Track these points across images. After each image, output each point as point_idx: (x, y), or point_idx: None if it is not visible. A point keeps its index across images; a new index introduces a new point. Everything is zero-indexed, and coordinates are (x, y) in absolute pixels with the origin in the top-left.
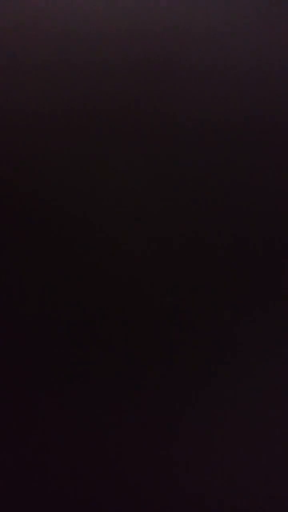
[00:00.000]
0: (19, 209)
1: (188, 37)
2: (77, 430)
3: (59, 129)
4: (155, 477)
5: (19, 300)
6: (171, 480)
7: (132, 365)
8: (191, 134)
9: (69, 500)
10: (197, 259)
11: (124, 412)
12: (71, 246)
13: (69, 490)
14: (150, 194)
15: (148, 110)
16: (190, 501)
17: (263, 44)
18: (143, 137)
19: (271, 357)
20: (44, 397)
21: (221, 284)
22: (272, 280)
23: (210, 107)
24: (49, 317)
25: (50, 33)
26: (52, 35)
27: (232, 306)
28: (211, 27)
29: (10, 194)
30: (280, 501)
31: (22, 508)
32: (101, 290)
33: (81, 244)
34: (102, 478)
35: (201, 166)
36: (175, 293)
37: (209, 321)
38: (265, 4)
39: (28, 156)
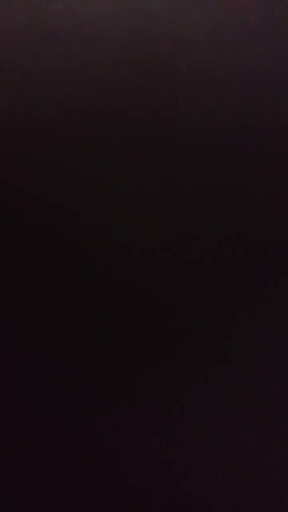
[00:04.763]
0: (19, 211)
1: (187, 39)
2: (76, 429)
3: (58, 131)
4: (153, 475)
5: (20, 300)
6: (170, 479)
7: (131, 364)
8: (191, 136)
9: (66, 497)
10: (197, 258)
11: (123, 411)
12: (70, 246)
13: (67, 487)
14: (150, 195)
15: (148, 112)
16: (189, 500)
17: (263, 46)
18: (143, 139)
19: (269, 355)
20: (43, 393)
21: (220, 284)
22: (271, 280)
23: (210, 109)
24: (49, 315)
25: (50, 34)
26: (52, 36)
27: (230, 305)
28: (210, 29)
29: (10, 195)
30: (280, 499)
31: (20, 504)
32: (101, 288)
33: (81, 244)
34: (100, 476)
35: (201, 167)
36: (174, 293)
37: (207, 320)
38: (264, 6)
39: (28, 158)
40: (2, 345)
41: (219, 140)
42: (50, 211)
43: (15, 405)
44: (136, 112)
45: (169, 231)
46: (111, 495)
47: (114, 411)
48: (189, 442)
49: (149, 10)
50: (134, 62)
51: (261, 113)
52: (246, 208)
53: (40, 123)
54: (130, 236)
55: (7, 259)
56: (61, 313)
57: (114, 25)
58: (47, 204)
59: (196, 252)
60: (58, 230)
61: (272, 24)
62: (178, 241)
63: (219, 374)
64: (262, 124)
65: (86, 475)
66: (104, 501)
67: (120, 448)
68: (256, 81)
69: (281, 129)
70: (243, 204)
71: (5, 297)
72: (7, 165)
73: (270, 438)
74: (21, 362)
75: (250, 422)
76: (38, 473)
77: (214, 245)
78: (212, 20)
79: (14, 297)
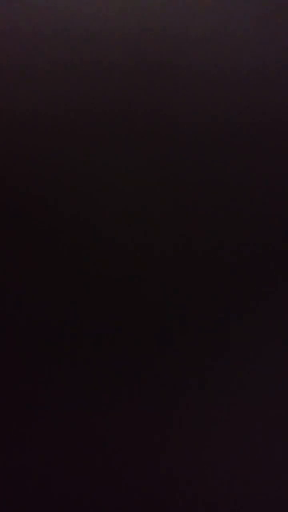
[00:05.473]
0: (19, 211)
1: (187, 39)
2: (76, 429)
3: (58, 131)
4: (153, 475)
5: (20, 300)
6: (170, 479)
7: (132, 364)
8: (191, 135)
9: (67, 497)
10: (197, 258)
11: (123, 411)
12: (70, 246)
13: (67, 487)
14: (150, 195)
15: (148, 111)
16: (189, 499)
17: (263, 46)
18: (143, 138)
19: (269, 355)
20: (43, 393)
21: (221, 284)
22: (271, 280)
23: (210, 109)
24: (49, 314)
25: (50, 34)
26: (52, 37)
27: (230, 305)
28: (210, 29)
29: (10, 195)
30: (280, 499)
31: (20, 504)
32: (101, 288)
33: (81, 244)
34: (100, 476)
35: (201, 167)
36: (174, 292)
37: (208, 320)
38: (264, 6)
39: (28, 158)
40: (2, 345)
41: (219, 139)
42: (50, 211)
43: (15, 405)
44: (136, 112)
45: (169, 231)
46: (111, 495)
47: (114, 411)
48: (189, 442)
49: (149, 10)
50: (134, 62)
51: (261, 113)
52: (246, 208)
53: (40, 123)
54: (130, 236)
55: (7, 259)
56: (61, 313)
57: (114, 25)
58: (47, 204)
59: (196, 252)
60: (58, 230)
61: (272, 24)
62: (178, 241)
63: (220, 375)
64: (262, 124)
65: (86, 475)
66: (104, 501)
67: (120, 448)
68: (256, 81)
69: (281, 128)
70: (243, 204)
71: (5, 297)
72: (7, 165)
73: (271, 438)
74: (21, 362)
75: (250, 422)
76: (38, 473)
77: (214, 245)
78: (212, 20)
79: (14, 297)
